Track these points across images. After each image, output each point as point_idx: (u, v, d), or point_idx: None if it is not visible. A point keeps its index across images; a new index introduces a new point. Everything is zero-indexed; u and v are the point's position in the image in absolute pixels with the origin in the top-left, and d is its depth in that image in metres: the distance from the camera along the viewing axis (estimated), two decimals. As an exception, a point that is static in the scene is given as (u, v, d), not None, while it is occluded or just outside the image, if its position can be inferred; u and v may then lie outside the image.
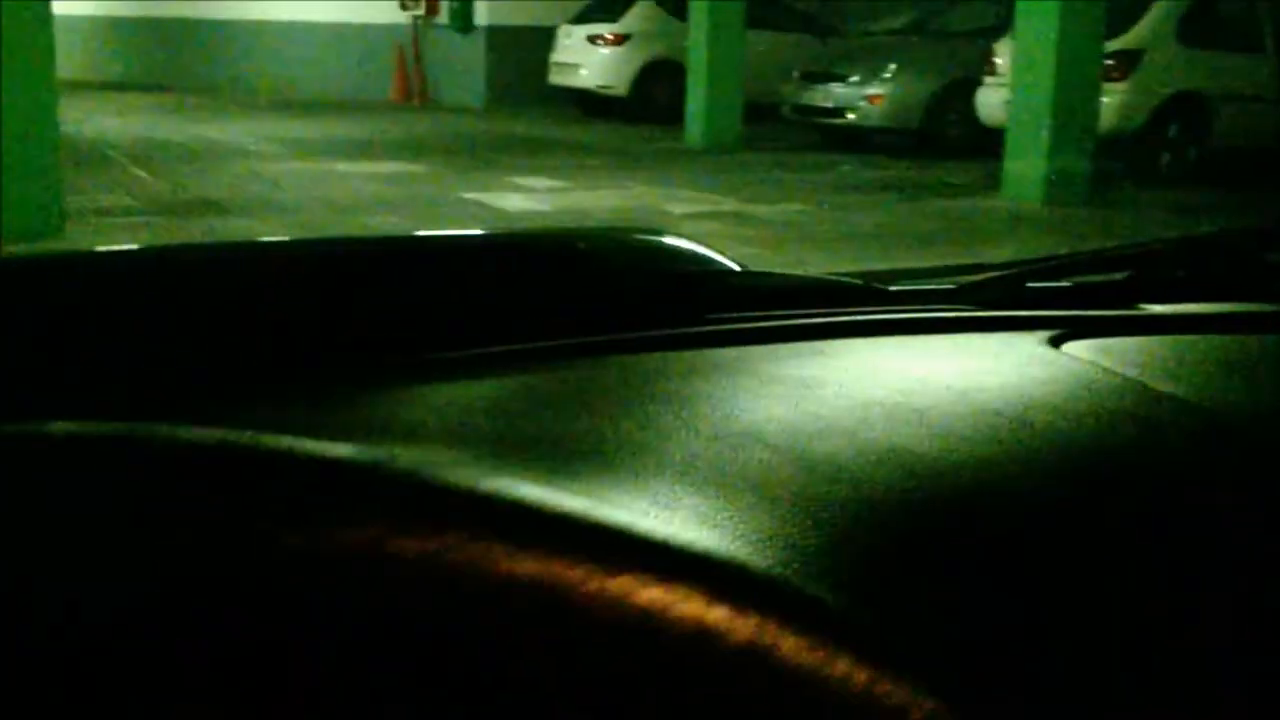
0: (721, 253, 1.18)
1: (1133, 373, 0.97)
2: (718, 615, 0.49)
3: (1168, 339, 1.08)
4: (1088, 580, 0.69)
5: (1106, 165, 10.56)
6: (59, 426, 0.62)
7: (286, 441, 0.57)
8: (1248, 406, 0.94)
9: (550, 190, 10.73)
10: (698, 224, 9.28)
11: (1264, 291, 1.23)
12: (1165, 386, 0.94)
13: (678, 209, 9.93)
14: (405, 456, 0.59)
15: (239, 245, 1.22)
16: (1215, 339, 1.08)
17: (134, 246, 1.24)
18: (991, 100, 11.92)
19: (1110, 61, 11.02)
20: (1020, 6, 10.45)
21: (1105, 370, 0.97)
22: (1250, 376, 1.00)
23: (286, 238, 1.19)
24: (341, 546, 0.50)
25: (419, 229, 8.70)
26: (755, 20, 14.90)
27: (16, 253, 7.33)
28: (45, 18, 7.66)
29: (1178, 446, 0.86)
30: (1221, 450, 0.87)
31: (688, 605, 0.49)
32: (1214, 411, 0.91)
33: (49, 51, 7.74)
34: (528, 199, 10.23)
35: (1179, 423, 0.89)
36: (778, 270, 1.22)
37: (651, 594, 0.48)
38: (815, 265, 7.70)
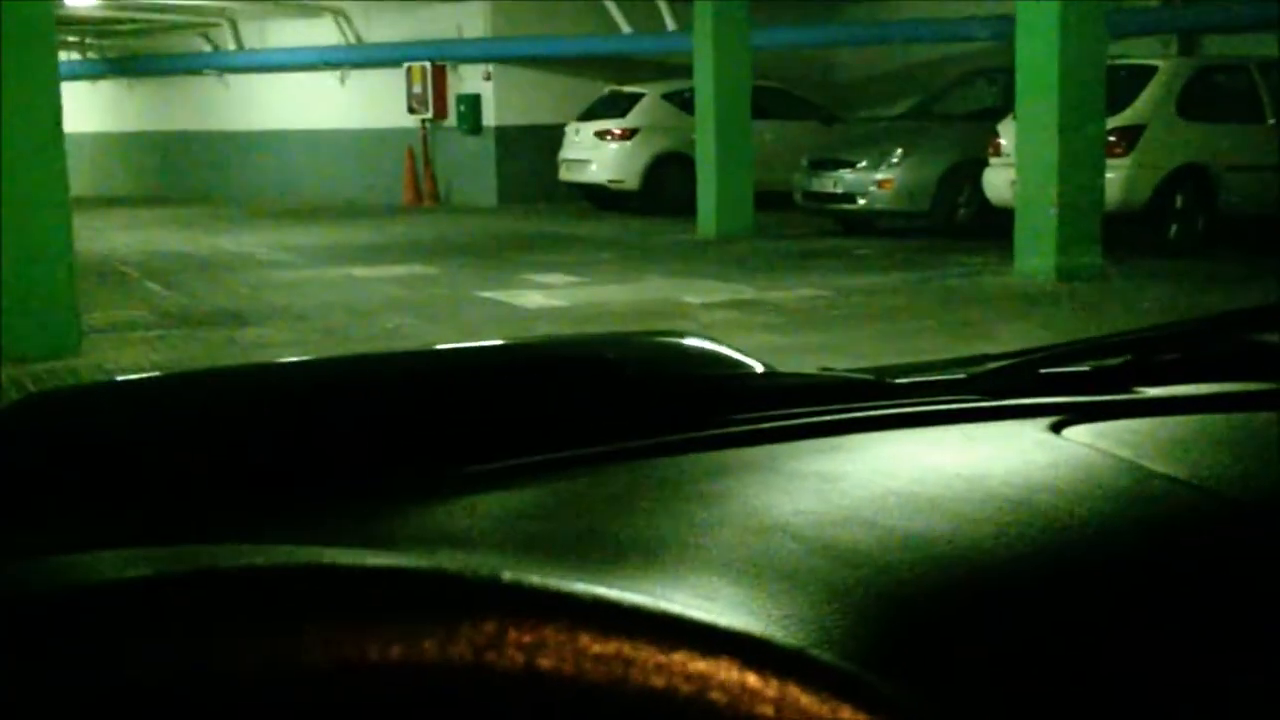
0: (741, 341, 1.26)
1: (1131, 454, 1.01)
2: (754, 682, 0.57)
3: (1165, 420, 1.12)
4: (1091, 654, 0.73)
5: (1116, 238, 10.59)
6: (143, 554, 0.64)
7: (361, 558, 0.61)
8: (1243, 484, 0.96)
9: (567, 286, 10.78)
10: (715, 313, 9.30)
11: (1259, 372, 1.27)
12: (1162, 467, 0.98)
13: (695, 299, 9.95)
14: (467, 563, 0.63)
15: (275, 366, 1.26)
16: (1211, 419, 1.12)
17: (172, 371, 1.27)
18: (998, 180, 12.00)
19: (1112, 138, 11.11)
20: (1020, 88, 10.55)
21: (1104, 453, 1.01)
22: (1246, 455, 1.03)
23: (321, 356, 1.21)
24: (441, 656, 0.56)
25: (437, 330, 8.74)
26: (761, 110, 15.07)
27: (36, 371, 7.36)
28: (58, 140, 7.75)
29: (1175, 525, 0.90)
30: (1218, 528, 0.90)
31: (729, 674, 0.58)
32: (1210, 490, 0.95)
33: (62, 173, 7.83)
34: (545, 296, 10.27)
35: (1176, 502, 0.93)
36: (794, 369, 1.28)
37: (699, 666, 0.58)
38: (832, 349, 7.70)
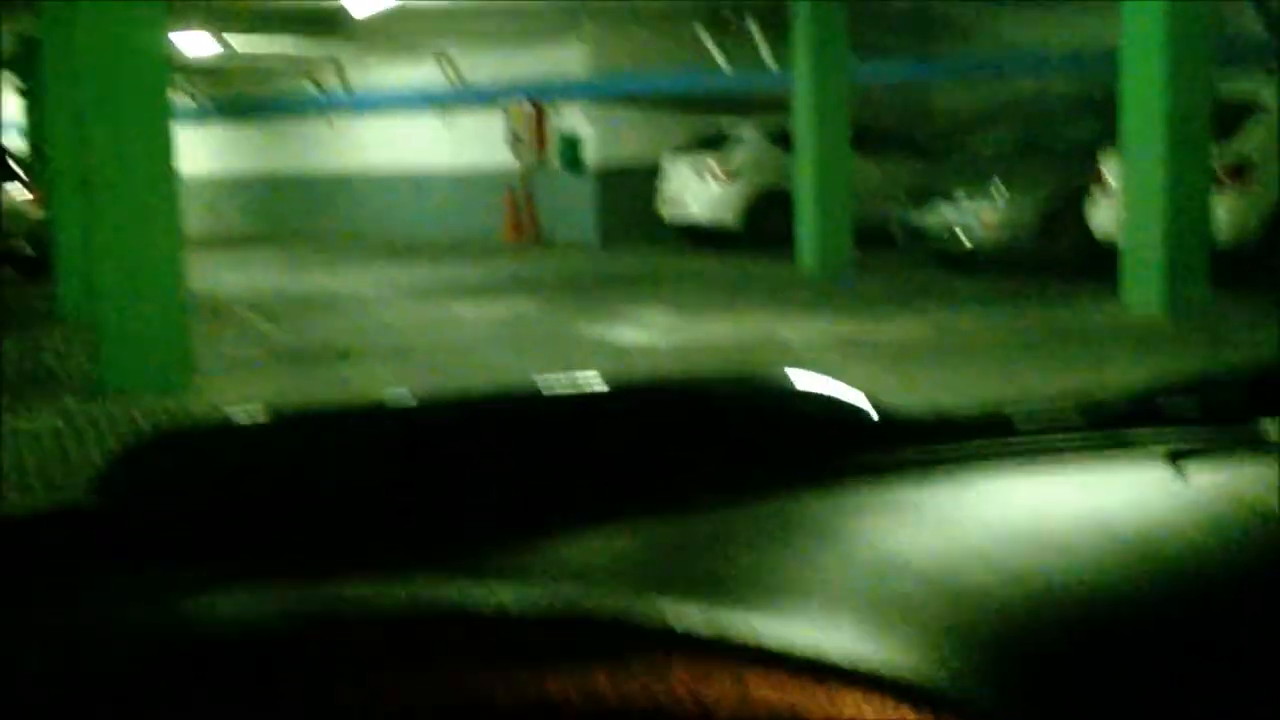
0: (846, 382, 1.23)
1: (1251, 492, 0.99)
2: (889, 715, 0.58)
3: None
4: (1214, 698, 0.73)
5: (1226, 273, 10.38)
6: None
7: (496, 594, 0.62)
8: None
9: (667, 323, 10.80)
10: (815, 349, 9.26)
11: None
12: None
13: (794, 335, 9.92)
14: (598, 599, 0.64)
15: (396, 405, 1.27)
16: None
17: (292, 410, 1.28)
18: (1103, 213, 11.83)
19: (1220, 170, 10.90)
20: (1125, 119, 10.40)
21: (1224, 491, 1.00)
22: None
23: (434, 393, 1.22)
24: (615, 693, 0.57)
25: (539, 367, 8.79)
26: (860, 146, 15.01)
27: (150, 407, 7.52)
28: (171, 182, 7.95)
29: None
30: None
31: (867, 709, 0.59)
32: None
33: (175, 213, 8.02)
34: (645, 333, 10.29)
35: None
36: (906, 405, 1.27)
37: (862, 710, 0.59)
38: (935, 385, 7.62)
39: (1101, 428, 1.20)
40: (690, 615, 0.62)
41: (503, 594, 0.65)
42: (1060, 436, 1.17)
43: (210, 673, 0.56)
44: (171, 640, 0.62)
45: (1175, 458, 1.09)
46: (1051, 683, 0.71)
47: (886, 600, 0.78)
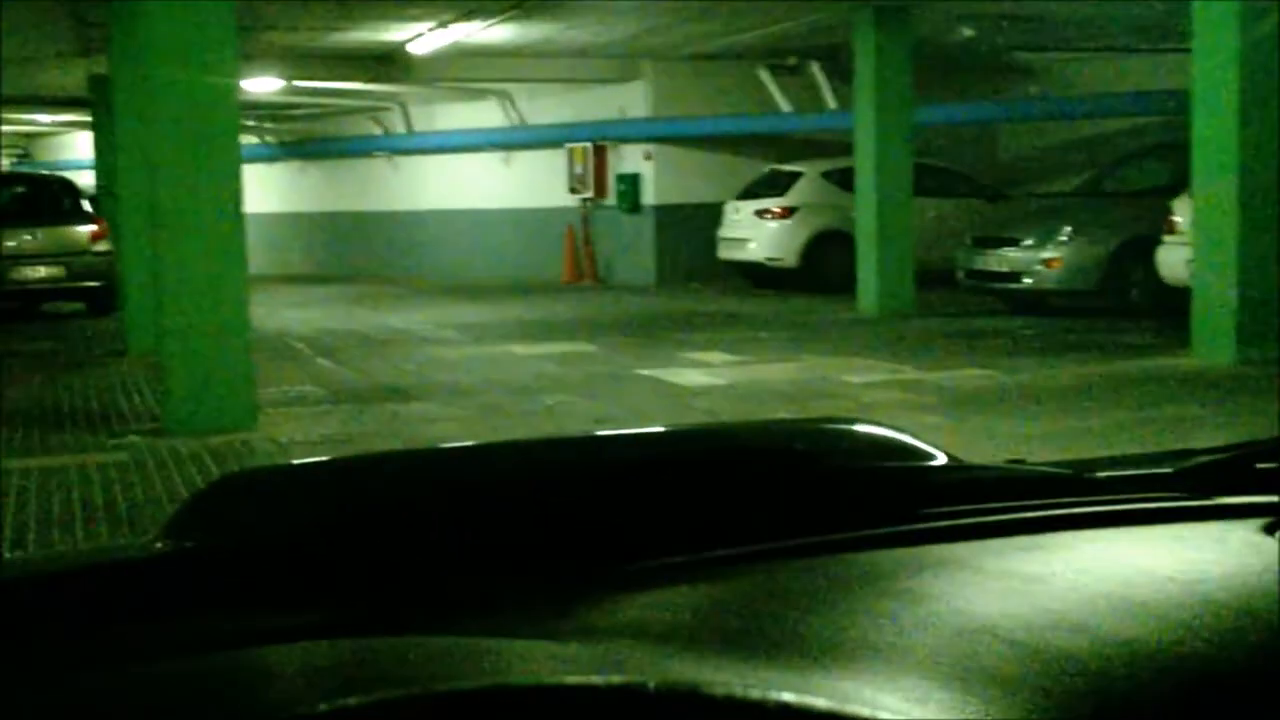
0: (903, 423, 1.22)
1: None
2: None
3: None
4: None
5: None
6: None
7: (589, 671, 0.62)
8: None
9: (726, 364, 10.77)
10: (876, 393, 9.20)
11: None
12: None
13: (855, 378, 9.86)
14: (647, 663, 0.62)
15: (453, 451, 1.27)
16: None
17: (351, 455, 1.29)
18: (1173, 259, 11.71)
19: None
20: (1197, 164, 10.30)
21: None
22: None
23: (496, 440, 1.23)
24: None
25: (596, 408, 8.78)
26: (922, 187, 14.98)
27: (214, 444, 7.57)
28: (238, 220, 8.03)
29: None
30: None
31: None
32: None
33: (241, 252, 8.10)
34: (704, 374, 10.27)
35: None
36: (978, 460, 1.26)
37: None
38: (999, 434, 7.53)
39: (1191, 489, 1.17)
40: (765, 687, 0.59)
41: (565, 664, 0.63)
42: (1149, 497, 1.15)
43: None
44: (229, 696, 0.62)
45: (1270, 522, 1.06)
46: None
47: (974, 665, 0.76)
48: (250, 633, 0.79)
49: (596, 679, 0.60)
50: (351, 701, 0.57)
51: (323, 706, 0.57)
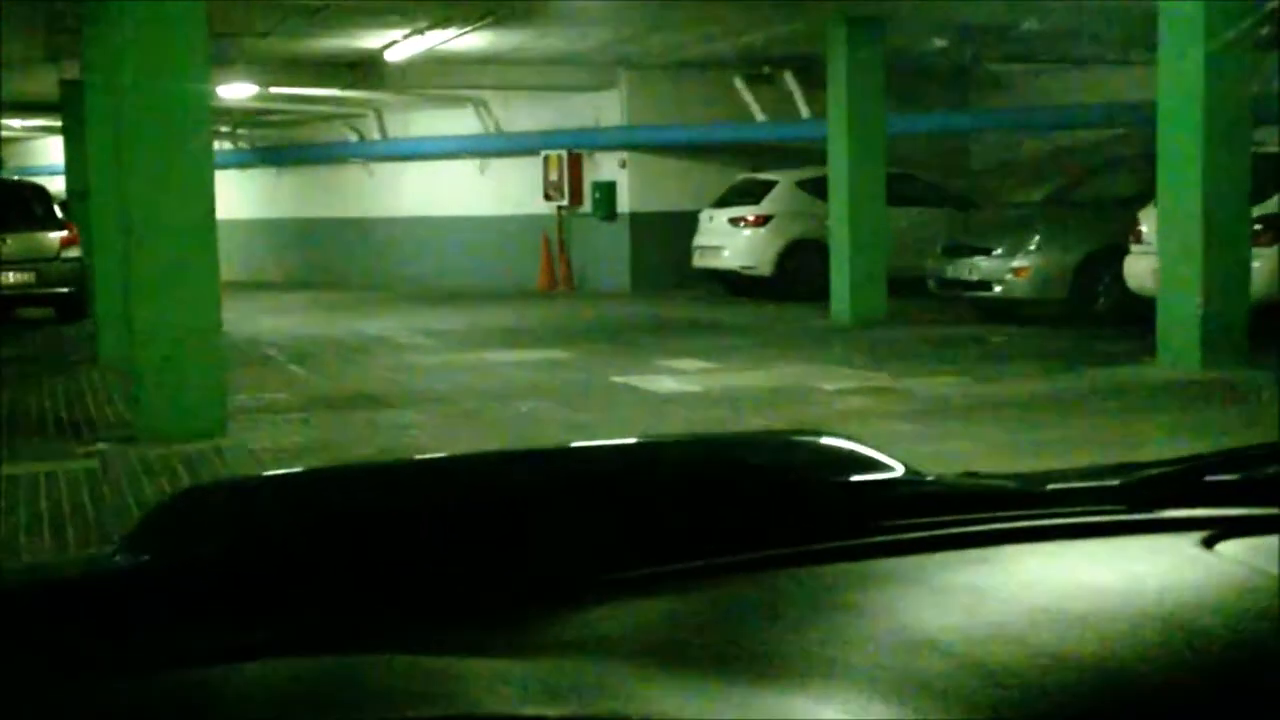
0: (874, 430, 1.25)
1: None
2: None
3: None
4: None
5: (1267, 331, 10.30)
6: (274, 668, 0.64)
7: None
8: None
9: (700, 372, 10.79)
10: (848, 400, 9.23)
11: None
12: None
13: (828, 385, 9.89)
14: (598, 676, 0.63)
15: (421, 463, 1.28)
16: None
17: (320, 467, 1.29)
18: (1140, 269, 11.78)
19: (1258, 227, 10.85)
20: (1162, 175, 10.37)
21: (1259, 570, 0.99)
22: None
23: (460, 453, 1.22)
24: None
25: (572, 415, 8.79)
26: (895, 196, 15.04)
27: (185, 452, 7.54)
28: (210, 227, 8.01)
29: None
30: None
31: None
32: None
33: (213, 258, 8.08)
34: (678, 381, 10.29)
35: None
36: (936, 473, 1.27)
37: None
38: (968, 439, 7.58)
39: (1136, 502, 1.19)
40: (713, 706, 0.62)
41: (515, 686, 0.64)
42: (1093, 510, 1.16)
43: None
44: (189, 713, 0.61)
45: (1210, 535, 1.08)
46: None
47: (913, 678, 0.77)
48: (208, 650, 0.79)
49: (550, 712, 0.61)
50: None
51: None
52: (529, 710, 0.65)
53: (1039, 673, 0.79)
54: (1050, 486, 1.24)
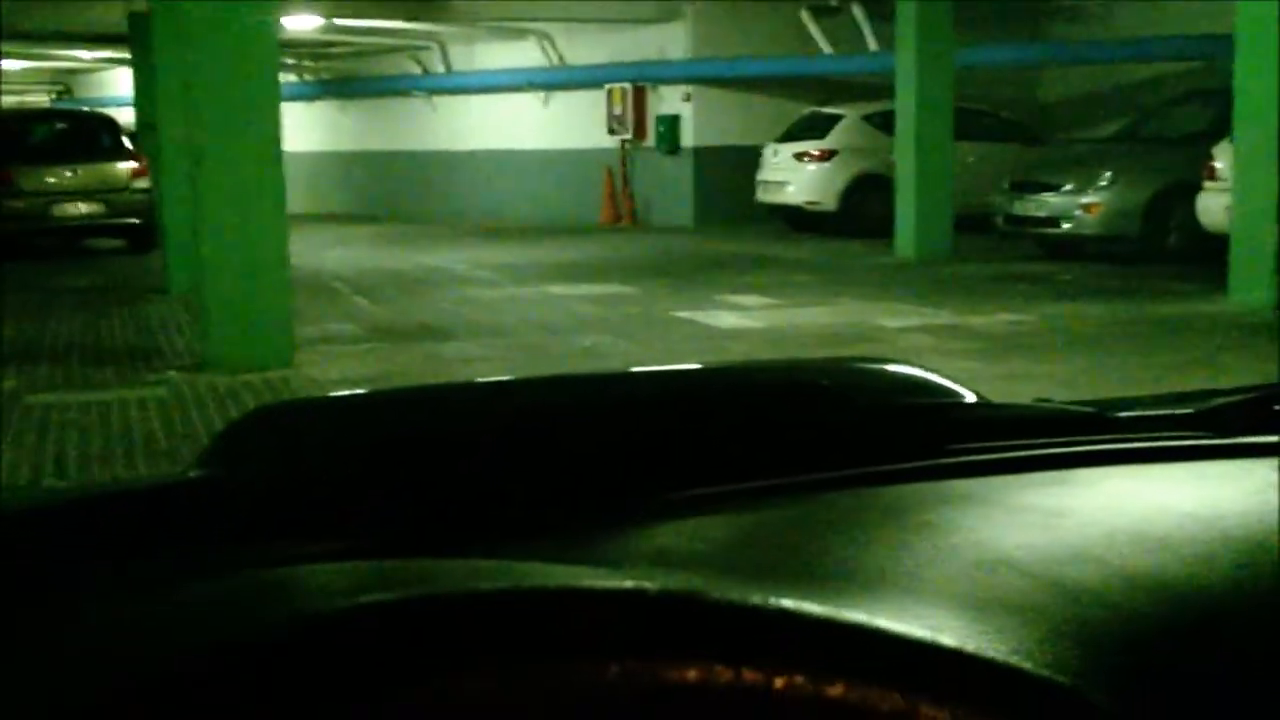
0: (944, 372, 1.21)
1: None
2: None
3: None
4: None
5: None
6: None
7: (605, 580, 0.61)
8: None
9: (762, 307, 10.76)
10: (911, 337, 9.18)
11: None
12: None
13: (891, 323, 9.84)
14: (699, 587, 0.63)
15: (489, 385, 1.27)
16: None
17: (389, 388, 1.29)
18: (1213, 206, 11.58)
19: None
20: (1238, 110, 10.17)
21: None
22: None
23: (526, 376, 1.22)
24: (670, 679, 0.56)
25: (632, 349, 8.80)
26: (963, 131, 14.84)
27: (252, 381, 7.64)
28: (277, 159, 8.05)
29: None
30: None
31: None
32: None
33: (280, 191, 8.12)
34: (740, 317, 10.27)
35: None
36: (1005, 399, 1.25)
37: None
38: (1034, 377, 7.52)
39: (1213, 428, 1.17)
40: (815, 609, 0.61)
41: (607, 579, 0.64)
42: (1170, 435, 1.15)
43: (307, 649, 0.56)
44: (271, 615, 0.62)
45: None
46: (1162, 682, 0.70)
47: (991, 595, 0.76)
48: (280, 557, 0.80)
49: (601, 583, 0.61)
50: (378, 598, 0.58)
51: (344, 603, 0.58)
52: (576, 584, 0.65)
53: (1120, 594, 0.78)
54: (1124, 414, 1.22)
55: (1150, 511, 0.95)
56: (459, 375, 8.00)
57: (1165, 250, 13.09)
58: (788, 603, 0.61)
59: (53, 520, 0.93)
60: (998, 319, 9.91)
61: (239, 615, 0.65)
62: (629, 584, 0.61)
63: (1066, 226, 13.50)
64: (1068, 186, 13.52)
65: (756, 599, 0.60)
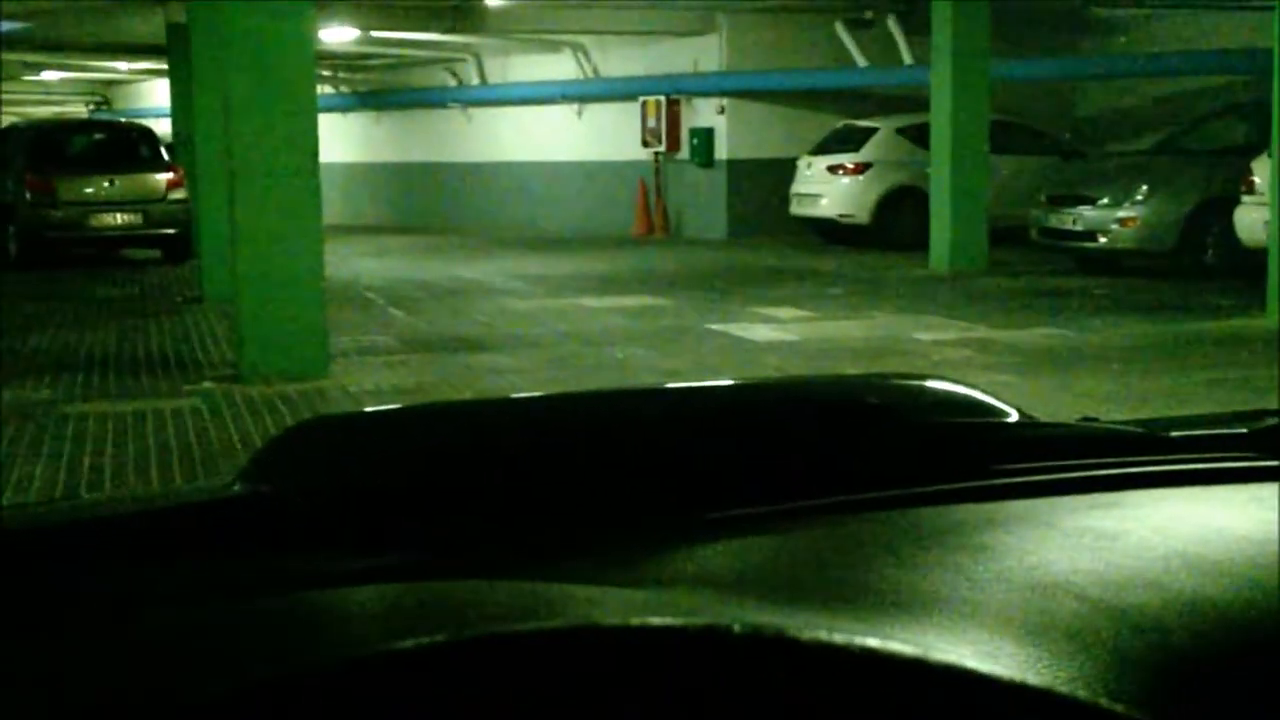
0: (977, 383, 1.20)
1: None
2: None
3: None
4: None
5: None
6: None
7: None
8: None
9: (796, 320, 10.73)
10: (946, 351, 9.13)
11: None
12: None
13: (926, 336, 9.79)
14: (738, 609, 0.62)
15: (526, 401, 1.26)
16: None
17: (426, 403, 1.29)
18: (1251, 220, 11.48)
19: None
20: (1277, 125, 10.08)
21: None
22: None
23: (565, 391, 1.21)
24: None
25: (666, 362, 8.79)
26: (998, 144, 14.78)
27: (288, 392, 7.66)
28: (314, 170, 8.09)
29: None
30: None
31: None
32: None
33: (316, 202, 8.16)
34: (774, 330, 10.24)
35: None
36: (1050, 418, 1.24)
37: None
38: (1072, 393, 7.46)
39: (1267, 450, 1.15)
40: (848, 634, 0.60)
41: (641, 609, 0.63)
42: (1224, 457, 1.13)
43: (342, 673, 0.55)
44: (309, 635, 0.61)
45: None
46: (1222, 710, 0.69)
47: (1047, 620, 0.75)
48: (324, 575, 0.80)
49: (679, 620, 0.60)
50: (429, 640, 0.57)
51: (400, 645, 0.57)
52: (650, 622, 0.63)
53: (1177, 619, 0.77)
54: (1176, 434, 1.20)
55: (1207, 535, 0.94)
56: (493, 387, 8.00)
57: (1202, 265, 12.99)
58: (873, 642, 0.59)
59: (90, 531, 0.93)
60: (1033, 333, 9.85)
61: (277, 642, 0.64)
62: (694, 621, 0.60)
63: (1103, 240, 13.42)
64: (1104, 200, 13.44)
65: (840, 638, 0.59)
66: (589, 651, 0.57)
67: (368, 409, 1.30)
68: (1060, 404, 7.03)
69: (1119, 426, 1.24)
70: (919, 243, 14.67)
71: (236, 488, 0.98)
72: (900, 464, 1.06)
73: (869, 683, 0.58)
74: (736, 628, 0.58)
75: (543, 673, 0.56)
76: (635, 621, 0.59)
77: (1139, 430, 1.21)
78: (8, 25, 19.42)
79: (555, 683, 0.56)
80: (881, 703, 0.57)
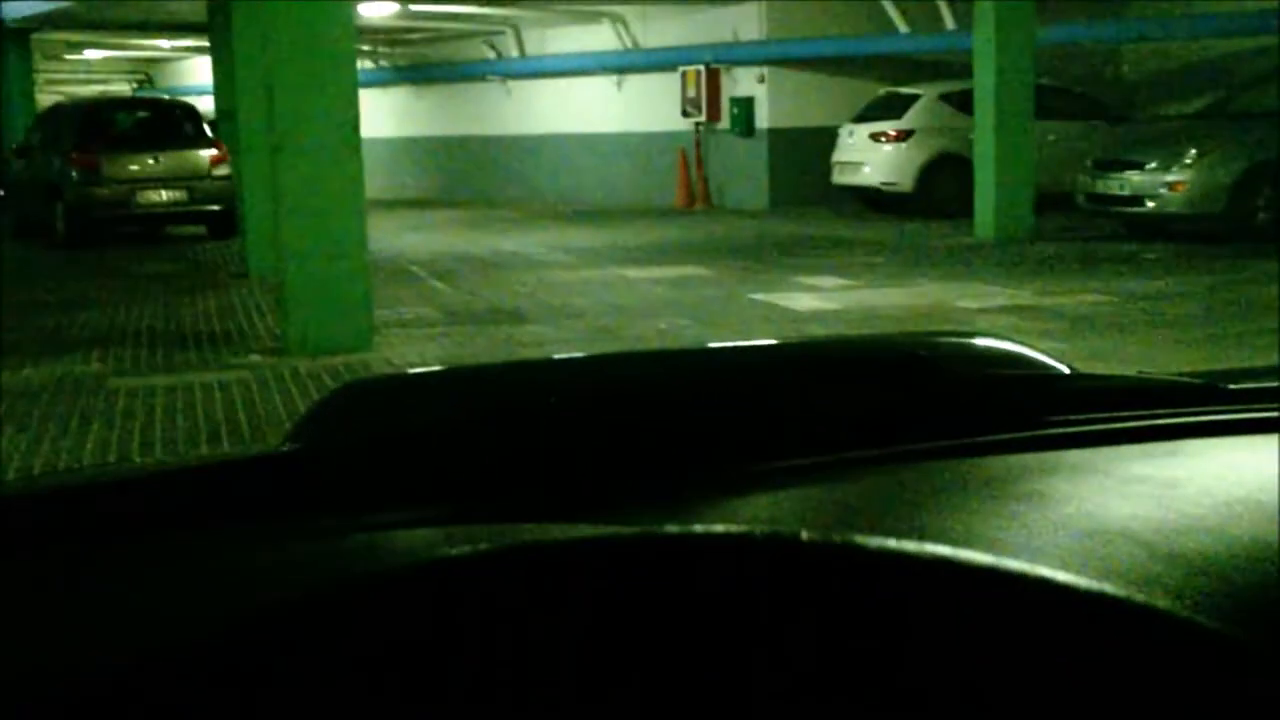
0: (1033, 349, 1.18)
1: None
2: None
3: None
4: None
5: None
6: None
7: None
8: None
9: (839, 289, 10.69)
10: (992, 318, 9.07)
11: None
12: None
13: (970, 303, 9.73)
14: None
15: (567, 360, 1.26)
16: None
17: (471, 365, 1.29)
18: (1302, 181, 11.35)
19: None
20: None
21: None
22: None
23: (614, 351, 1.22)
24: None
25: (708, 332, 8.77)
26: (1043, 109, 14.64)
27: (332, 364, 7.70)
28: (355, 145, 8.10)
29: None
30: None
31: None
32: None
33: (358, 176, 8.18)
34: (817, 299, 10.20)
35: None
36: (1107, 373, 1.23)
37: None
38: (1119, 358, 7.40)
39: None
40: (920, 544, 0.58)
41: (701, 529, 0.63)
42: (1274, 407, 1.12)
43: (396, 602, 0.55)
44: (356, 571, 0.61)
45: None
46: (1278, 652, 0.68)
47: (1106, 566, 0.75)
48: (376, 525, 0.81)
49: (743, 528, 0.59)
50: (487, 546, 0.56)
51: (453, 551, 0.56)
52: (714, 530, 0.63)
53: (1240, 565, 0.76)
54: (1232, 385, 1.19)
55: (1266, 481, 0.92)
56: (536, 357, 8.01)
57: (1253, 229, 12.83)
58: (945, 550, 0.58)
59: (145, 488, 0.94)
60: (1081, 299, 9.77)
61: (335, 564, 0.64)
62: (762, 529, 0.58)
63: (1151, 205, 13.28)
64: (1152, 164, 13.29)
65: (911, 547, 0.57)
66: (650, 561, 0.56)
67: (411, 370, 1.30)
68: (1110, 368, 6.96)
69: (1176, 377, 1.22)
70: (963, 210, 14.57)
71: (286, 447, 0.98)
72: (952, 415, 1.05)
73: (943, 589, 0.56)
74: (804, 535, 0.57)
75: (603, 581, 0.55)
76: (699, 529, 0.58)
77: (1196, 381, 1.20)
78: (51, 5, 19.57)
79: (617, 590, 0.54)
80: (957, 608, 0.56)
